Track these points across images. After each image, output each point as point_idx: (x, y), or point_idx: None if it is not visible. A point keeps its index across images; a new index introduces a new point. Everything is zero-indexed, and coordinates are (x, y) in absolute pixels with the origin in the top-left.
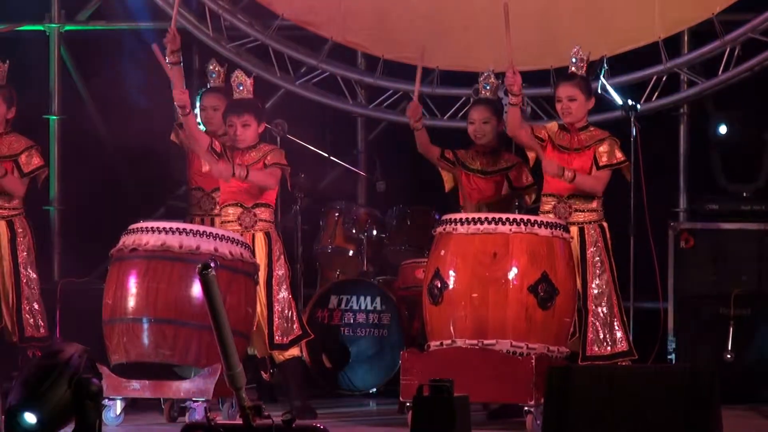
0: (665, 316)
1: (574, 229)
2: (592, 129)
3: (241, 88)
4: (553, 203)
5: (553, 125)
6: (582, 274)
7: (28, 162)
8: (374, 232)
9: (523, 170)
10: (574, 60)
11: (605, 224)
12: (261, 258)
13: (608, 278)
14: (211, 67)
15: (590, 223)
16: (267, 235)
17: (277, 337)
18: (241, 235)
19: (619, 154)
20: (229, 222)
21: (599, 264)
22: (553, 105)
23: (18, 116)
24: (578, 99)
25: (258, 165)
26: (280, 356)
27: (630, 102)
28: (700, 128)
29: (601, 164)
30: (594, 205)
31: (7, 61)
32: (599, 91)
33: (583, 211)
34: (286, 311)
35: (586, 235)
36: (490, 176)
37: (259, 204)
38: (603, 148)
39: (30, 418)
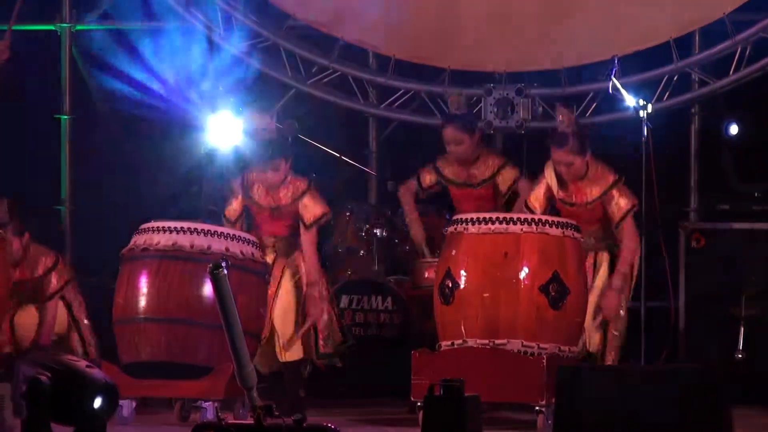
0: (676, 316)
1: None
2: (590, 174)
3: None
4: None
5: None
6: None
7: None
8: (385, 232)
9: (508, 170)
10: (560, 118)
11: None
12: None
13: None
14: None
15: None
16: None
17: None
18: None
19: (623, 202)
20: None
21: None
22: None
23: (29, 116)
24: (575, 162)
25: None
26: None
27: (641, 102)
28: (712, 128)
29: (618, 220)
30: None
31: None
32: (610, 91)
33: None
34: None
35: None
36: (479, 187)
37: None
38: (612, 206)
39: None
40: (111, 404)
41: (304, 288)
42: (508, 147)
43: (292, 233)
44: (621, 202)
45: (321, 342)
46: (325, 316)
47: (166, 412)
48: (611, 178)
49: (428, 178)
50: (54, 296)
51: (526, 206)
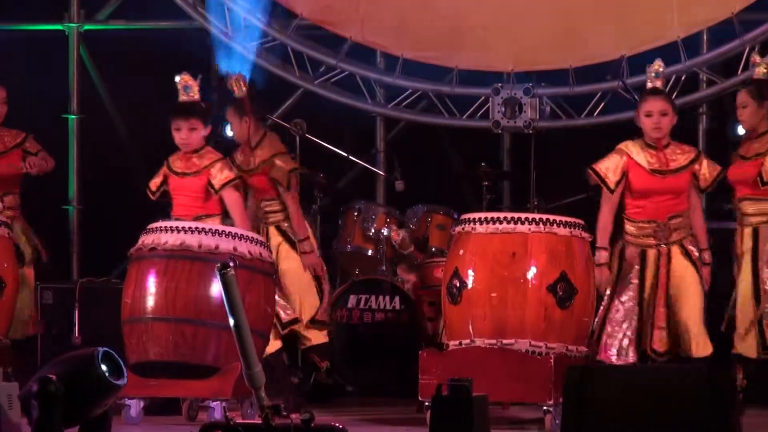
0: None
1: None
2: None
3: (188, 90)
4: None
5: (634, 148)
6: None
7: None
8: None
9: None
10: (654, 75)
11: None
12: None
13: None
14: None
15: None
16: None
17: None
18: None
19: (712, 169)
20: None
21: None
22: (572, 104)
23: (37, 115)
24: (668, 112)
25: (201, 177)
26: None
27: None
28: (719, 128)
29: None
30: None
31: None
32: (618, 90)
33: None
34: None
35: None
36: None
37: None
38: (702, 168)
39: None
40: (116, 369)
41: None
42: (515, 146)
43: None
44: (709, 169)
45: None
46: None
47: (174, 412)
48: (695, 151)
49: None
50: None
51: (596, 175)
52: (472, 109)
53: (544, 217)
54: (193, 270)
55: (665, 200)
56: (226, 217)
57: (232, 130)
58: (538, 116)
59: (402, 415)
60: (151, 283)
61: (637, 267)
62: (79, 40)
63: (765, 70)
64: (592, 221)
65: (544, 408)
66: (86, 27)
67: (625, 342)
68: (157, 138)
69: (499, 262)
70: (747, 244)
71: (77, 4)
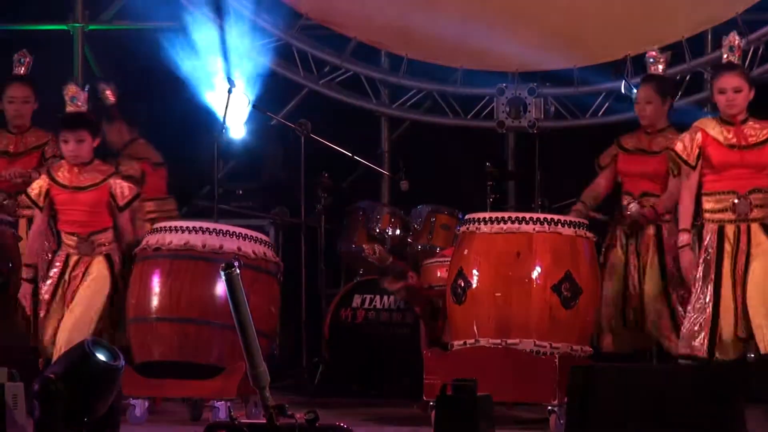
0: None
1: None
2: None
3: (75, 101)
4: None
5: (709, 124)
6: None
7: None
8: (398, 232)
9: None
10: (729, 48)
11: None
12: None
13: None
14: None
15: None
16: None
17: None
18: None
19: None
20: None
21: None
22: (577, 105)
23: (42, 116)
24: (744, 89)
25: (97, 191)
26: None
27: None
28: None
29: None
30: None
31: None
32: (623, 91)
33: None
34: None
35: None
36: None
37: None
38: None
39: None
40: (111, 354)
41: None
42: (520, 146)
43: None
44: None
45: None
46: None
47: (178, 411)
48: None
49: None
50: None
51: (678, 156)
52: (476, 109)
53: (549, 216)
54: (198, 270)
55: (745, 173)
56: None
57: (105, 137)
58: (542, 116)
59: (406, 415)
60: (156, 283)
61: (714, 246)
62: (83, 41)
63: (663, 66)
64: (593, 221)
65: (549, 408)
66: (91, 27)
67: (696, 328)
68: (161, 138)
69: (503, 261)
70: (652, 241)
71: (82, 4)
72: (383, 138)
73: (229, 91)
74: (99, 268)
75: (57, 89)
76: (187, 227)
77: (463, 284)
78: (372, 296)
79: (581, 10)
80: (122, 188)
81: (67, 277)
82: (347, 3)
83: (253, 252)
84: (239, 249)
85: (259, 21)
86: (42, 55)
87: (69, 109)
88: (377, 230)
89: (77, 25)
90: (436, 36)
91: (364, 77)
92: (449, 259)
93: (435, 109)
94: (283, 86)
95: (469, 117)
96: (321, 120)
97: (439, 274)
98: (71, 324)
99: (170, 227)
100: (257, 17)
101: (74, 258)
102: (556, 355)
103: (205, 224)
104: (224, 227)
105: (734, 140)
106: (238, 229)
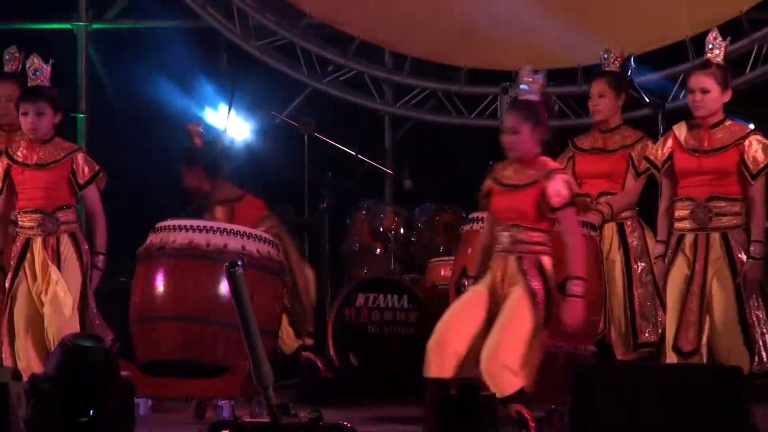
0: None
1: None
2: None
3: (38, 74)
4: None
5: (681, 127)
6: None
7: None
8: (401, 231)
9: None
10: (709, 46)
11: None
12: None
13: None
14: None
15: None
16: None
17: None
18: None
19: (761, 155)
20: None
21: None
22: (580, 103)
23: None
24: (713, 91)
25: (59, 167)
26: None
27: (657, 99)
28: None
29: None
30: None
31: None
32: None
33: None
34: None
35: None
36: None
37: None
38: (751, 150)
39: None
40: (97, 340)
41: None
42: None
43: None
44: (759, 154)
45: None
46: None
47: (182, 410)
48: (747, 129)
49: None
50: None
51: (648, 161)
52: (480, 107)
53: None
54: (202, 269)
55: (705, 180)
56: (78, 203)
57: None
58: None
59: (410, 414)
60: (160, 282)
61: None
62: (87, 39)
63: (620, 62)
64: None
65: (553, 406)
66: (94, 26)
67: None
68: (163, 138)
69: None
70: (615, 239)
71: (85, 3)
72: (387, 137)
73: (231, 92)
74: (68, 250)
75: (61, 88)
76: (191, 226)
77: (467, 283)
78: (376, 295)
79: (585, 9)
80: (83, 165)
81: (28, 263)
82: (351, 2)
83: (257, 251)
84: (243, 248)
85: (262, 20)
86: (46, 54)
87: (30, 82)
88: (381, 229)
89: (81, 23)
90: (440, 35)
91: (368, 76)
92: (453, 258)
93: (439, 108)
94: (287, 85)
95: (472, 116)
96: (325, 119)
97: (443, 273)
98: (56, 314)
99: (174, 226)
100: (261, 16)
101: (38, 240)
102: (560, 354)
103: (208, 223)
104: (228, 226)
105: (695, 145)
106: (242, 228)
